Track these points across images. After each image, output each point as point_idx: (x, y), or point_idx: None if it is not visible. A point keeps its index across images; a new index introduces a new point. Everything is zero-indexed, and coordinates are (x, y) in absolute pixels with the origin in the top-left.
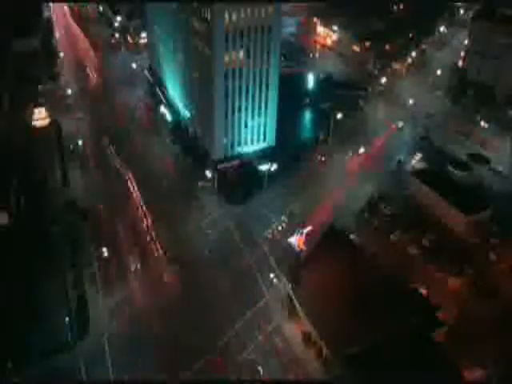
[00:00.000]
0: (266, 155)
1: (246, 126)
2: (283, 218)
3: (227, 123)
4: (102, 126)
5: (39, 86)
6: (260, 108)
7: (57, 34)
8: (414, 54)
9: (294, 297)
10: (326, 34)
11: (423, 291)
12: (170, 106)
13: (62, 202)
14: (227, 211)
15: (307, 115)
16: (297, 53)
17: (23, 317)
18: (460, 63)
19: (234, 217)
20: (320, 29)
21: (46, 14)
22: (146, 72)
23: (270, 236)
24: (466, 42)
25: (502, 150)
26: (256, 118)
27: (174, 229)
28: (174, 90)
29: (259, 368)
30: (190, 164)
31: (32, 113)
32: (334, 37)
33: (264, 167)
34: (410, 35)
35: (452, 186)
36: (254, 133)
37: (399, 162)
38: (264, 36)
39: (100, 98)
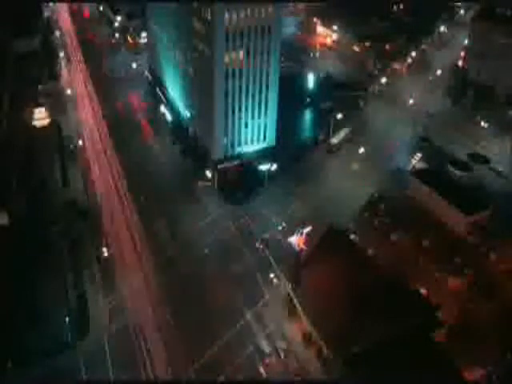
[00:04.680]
0: (266, 155)
1: (246, 126)
2: (283, 217)
3: (227, 123)
4: (102, 126)
5: (39, 86)
6: (260, 108)
7: (57, 34)
8: (413, 54)
9: (294, 297)
10: (326, 34)
11: (423, 291)
12: (170, 105)
13: (61, 202)
14: (227, 211)
15: (307, 115)
16: (297, 53)
17: (23, 317)
18: (460, 63)
19: (234, 217)
20: (320, 29)
21: (45, 13)
22: (146, 72)
23: (269, 236)
24: (466, 41)
25: (502, 150)
26: (256, 117)
27: (174, 228)
28: (173, 89)
29: (259, 368)
30: (190, 164)
31: (32, 113)
32: (334, 37)
33: (264, 167)
34: (410, 35)
35: (452, 185)
36: (254, 133)
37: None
38: (264, 36)
39: (100, 98)
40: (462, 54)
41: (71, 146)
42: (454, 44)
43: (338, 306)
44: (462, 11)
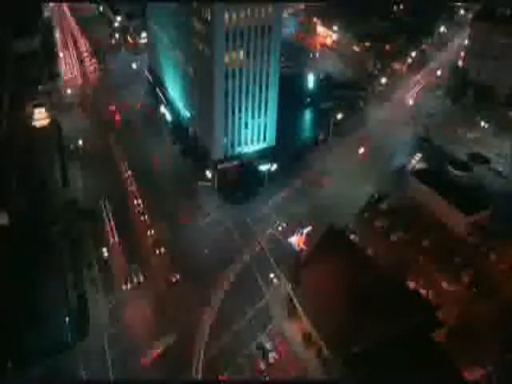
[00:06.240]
0: (266, 155)
1: (246, 126)
2: (283, 217)
3: (227, 123)
4: (102, 127)
5: (39, 86)
6: (260, 108)
7: (57, 34)
8: (413, 53)
9: (294, 297)
10: (326, 34)
11: (423, 291)
12: (170, 105)
13: (61, 202)
14: (227, 211)
15: (307, 115)
16: (297, 53)
17: (23, 317)
18: (460, 63)
19: (234, 217)
20: (320, 29)
21: (45, 13)
22: (146, 72)
23: (269, 236)
24: (466, 42)
25: (502, 150)
26: (256, 117)
27: (174, 229)
28: (173, 89)
29: (259, 368)
30: (190, 164)
31: (32, 113)
32: (334, 37)
33: (264, 167)
34: (410, 35)
35: (452, 185)
36: (254, 133)
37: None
38: (264, 36)
39: (100, 98)
40: (462, 54)
41: (71, 146)
42: (453, 44)
43: (338, 305)
44: (462, 11)
